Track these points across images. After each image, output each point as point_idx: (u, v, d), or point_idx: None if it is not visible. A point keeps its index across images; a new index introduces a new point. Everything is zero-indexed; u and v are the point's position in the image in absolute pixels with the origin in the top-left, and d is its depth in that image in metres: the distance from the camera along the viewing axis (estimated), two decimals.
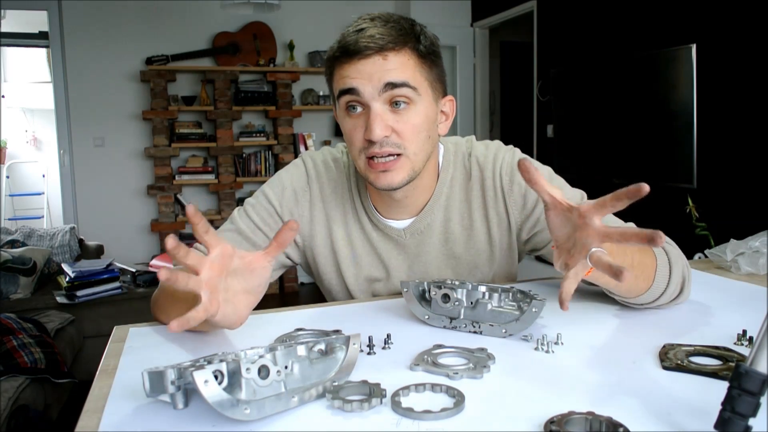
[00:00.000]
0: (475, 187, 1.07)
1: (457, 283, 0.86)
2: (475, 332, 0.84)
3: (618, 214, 1.03)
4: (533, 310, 0.80)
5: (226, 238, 1.05)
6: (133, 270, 3.35)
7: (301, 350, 0.66)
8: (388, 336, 0.79)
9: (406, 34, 0.93)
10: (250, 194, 1.12)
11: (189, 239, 4.64)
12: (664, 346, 0.75)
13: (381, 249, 1.09)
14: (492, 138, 1.31)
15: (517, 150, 1.09)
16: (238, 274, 0.73)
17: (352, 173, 1.10)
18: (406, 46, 0.93)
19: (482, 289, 0.85)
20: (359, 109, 0.94)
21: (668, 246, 0.91)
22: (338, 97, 0.95)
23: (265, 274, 0.75)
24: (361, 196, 1.09)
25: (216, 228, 1.08)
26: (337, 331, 0.80)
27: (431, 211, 1.07)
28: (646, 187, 0.58)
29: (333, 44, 0.96)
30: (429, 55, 0.96)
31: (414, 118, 0.94)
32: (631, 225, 0.99)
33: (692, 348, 0.74)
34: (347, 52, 0.92)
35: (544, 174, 1.05)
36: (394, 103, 0.93)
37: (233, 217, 1.08)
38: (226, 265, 0.71)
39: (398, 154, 0.95)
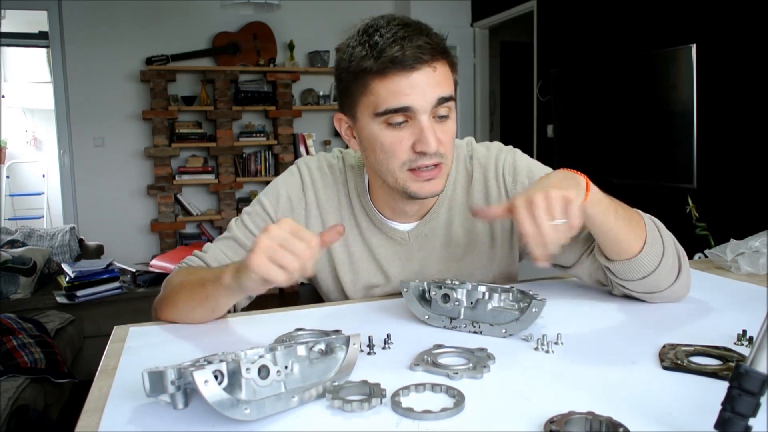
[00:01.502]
0: (477, 189, 1.07)
1: (457, 283, 0.86)
2: (475, 332, 0.84)
3: None
4: (533, 310, 0.80)
5: (224, 247, 1.06)
6: (133, 270, 3.35)
7: (301, 350, 0.66)
8: (388, 336, 0.79)
9: (441, 41, 0.91)
10: (250, 194, 1.13)
11: (189, 239, 4.64)
12: (664, 346, 0.75)
13: (380, 254, 1.08)
14: (492, 138, 1.31)
15: (518, 151, 1.09)
16: None
17: (349, 178, 1.09)
18: (445, 56, 0.91)
19: (482, 289, 0.85)
20: (402, 121, 0.91)
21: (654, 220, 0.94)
22: (381, 114, 0.90)
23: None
24: (362, 200, 1.08)
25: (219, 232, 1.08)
26: (337, 331, 0.80)
27: (436, 214, 1.07)
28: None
29: (360, 53, 0.88)
30: (456, 64, 0.95)
31: (452, 128, 0.95)
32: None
33: (692, 348, 0.74)
34: (398, 63, 0.86)
35: (545, 172, 1.05)
36: (438, 115, 0.92)
37: (230, 226, 1.09)
38: None
39: (440, 163, 0.94)
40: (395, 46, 0.86)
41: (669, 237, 0.92)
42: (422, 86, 0.88)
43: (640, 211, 0.93)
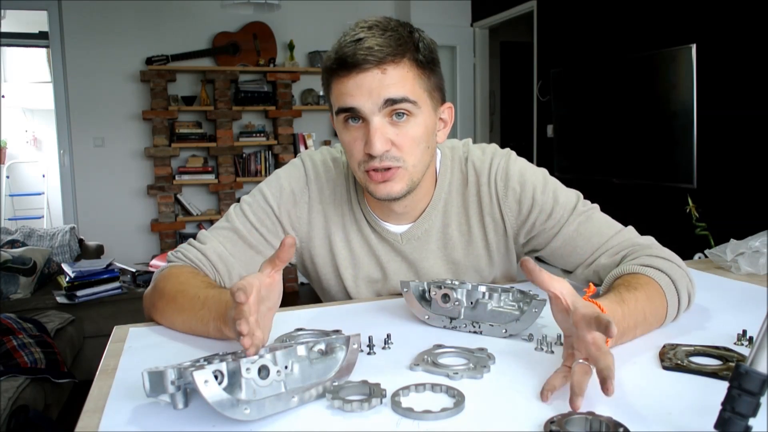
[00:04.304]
0: (471, 192, 1.06)
1: (457, 283, 0.86)
2: (475, 332, 0.84)
3: (617, 217, 1.03)
4: (533, 310, 0.80)
5: (222, 237, 1.04)
6: (133, 270, 3.35)
7: (301, 350, 0.66)
8: (388, 336, 0.79)
9: (405, 44, 0.91)
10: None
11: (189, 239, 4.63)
12: (664, 346, 0.75)
13: (379, 251, 1.08)
14: (492, 138, 1.31)
15: (512, 154, 1.07)
16: (263, 298, 0.73)
17: (351, 174, 1.08)
18: (405, 57, 0.90)
19: (482, 289, 0.85)
20: (359, 121, 0.92)
21: (671, 266, 0.89)
22: (337, 113, 0.94)
23: (280, 287, 0.76)
24: (359, 198, 1.08)
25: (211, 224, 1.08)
26: (337, 331, 0.80)
27: (429, 216, 1.06)
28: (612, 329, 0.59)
29: (329, 53, 0.93)
30: (428, 63, 0.94)
31: (413, 131, 0.93)
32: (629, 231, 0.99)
33: (692, 348, 0.74)
34: (345, 64, 0.89)
35: (538, 176, 1.04)
36: (395, 114, 0.91)
37: (229, 214, 1.07)
38: (259, 301, 0.71)
39: (396, 167, 0.93)
40: (348, 48, 0.89)
41: (682, 282, 0.87)
42: (368, 88, 0.89)
43: (659, 267, 0.88)
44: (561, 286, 0.69)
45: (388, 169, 0.93)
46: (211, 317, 0.82)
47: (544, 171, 1.06)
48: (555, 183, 1.05)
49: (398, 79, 0.90)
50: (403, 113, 0.91)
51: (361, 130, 0.92)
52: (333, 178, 1.09)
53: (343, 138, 0.96)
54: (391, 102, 0.89)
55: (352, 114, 0.92)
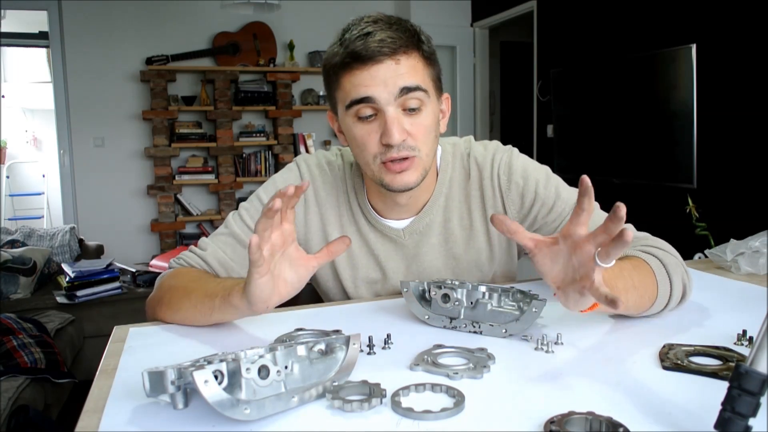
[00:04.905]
0: (473, 187, 1.08)
1: (457, 283, 0.86)
2: (475, 332, 0.84)
3: None
4: (533, 310, 0.80)
5: (221, 242, 1.05)
6: (133, 270, 3.35)
7: (301, 350, 0.66)
8: (388, 336, 0.79)
9: (412, 36, 0.93)
10: (250, 195, 1.12)
11: (189, 239, 4.64)
12: (664, 346, 0.75)
13: (378, 250, 1.09)
14: (492, 138, 1.31)
15: (515, 150, 1.09)
16: (291, 262, 0.76)
17: (348, 175, 1.09)
18: (415, 49, 0.93)
19: (482, 289, 0.85)
20: (371, 114, 0.93)
21: (664, 254, 0.89)
22: (349, 107, 0.94)
23: (306, 276, 0.78)
24: (358, 197, 1.09)
25: (215, 227, 1.09)
26: (337, 331, 0.80)
27: (430, 211, 1.07)
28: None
29: (334, 49, 0.93)
30: (432, 55, 0.97)
31: (425, 120, 0.95)
32: (629, 226, 0.99)
33: (692, 348, 0.74)
34: (359, 57, 0.90)
35: (541, 172, 1.06)
36: (409, 108, 0.93)
37: (228, 221, 1.08)
38: (286, 242, 0.75)
39: (412, 156, 0.95)
40: (359, 42, 0.90)
41: (676, 271, 0.87)
42: (383, 78, 0.90)
43: (650, 252, 0.88)
44: (536, 235, 0.71)
45: (405, 158, 0.94)
46: (222, 288, 0.83)
47: (546, 168, 1.08)
48: (557, 179, 1.07)
49: (410, 68, 0.92)
50: (417, 105, 0.93)
51: (374, 123, 0.93)
52: (329, 180, 1.10)
53: (354, 133, 0.96)
54: (406, 90, 0.91)
55: (367, 107, 0.92)
